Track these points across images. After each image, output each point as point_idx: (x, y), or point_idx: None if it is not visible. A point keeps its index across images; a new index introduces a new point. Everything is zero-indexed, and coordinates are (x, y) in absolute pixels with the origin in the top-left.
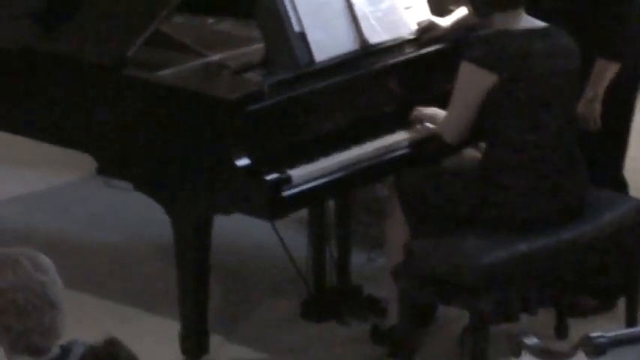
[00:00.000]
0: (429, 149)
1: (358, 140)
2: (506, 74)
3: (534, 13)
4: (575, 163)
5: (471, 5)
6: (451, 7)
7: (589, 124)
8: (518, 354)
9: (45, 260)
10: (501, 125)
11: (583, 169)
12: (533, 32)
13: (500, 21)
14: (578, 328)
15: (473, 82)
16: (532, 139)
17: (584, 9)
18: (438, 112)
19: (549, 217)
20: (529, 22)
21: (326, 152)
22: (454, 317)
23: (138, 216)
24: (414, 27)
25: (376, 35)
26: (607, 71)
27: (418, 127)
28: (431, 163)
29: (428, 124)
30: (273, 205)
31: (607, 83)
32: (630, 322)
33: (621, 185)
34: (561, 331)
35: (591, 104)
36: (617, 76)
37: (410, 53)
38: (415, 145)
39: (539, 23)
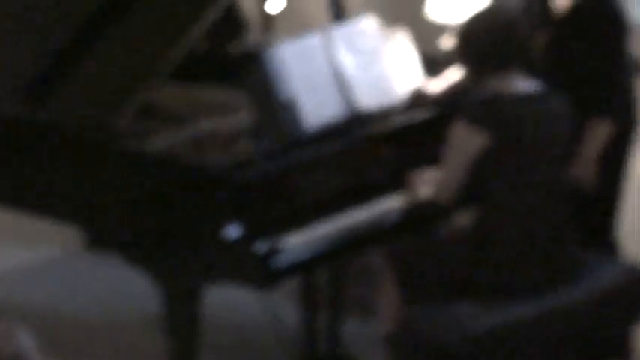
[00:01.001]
0: (421, 215)
1: (350, 208)
2: (498, 136)
3: (528, 73)
4: (566, 226)
5: (464, 67)
6: (444, 70)
7: (584, 186)
8: None
9: (25, 332)
10: (492, 189)
11: (574, 233)
12: (527, 96)
13: (494, 83)
14: None
15: (465, 141)
16: (522, 204)
17: (576, 69)
18: (436, 177)
19: (541, 281)
20: (524, 84)
21: (317, 220)
22: None
23: (128, 288)
24: (406, 92)
25: (367, 101)
26: (600, 130)
27: (413, 191)
28: (424, 229)
29: (423, 189)
30: (264, 275)
31: (601, 143)
32: None
33: (613, 247)
34: None
35: (586, 165)
36: (611, 137)
37: (402, 119)
38: (408, 211)
39: (534, 86)
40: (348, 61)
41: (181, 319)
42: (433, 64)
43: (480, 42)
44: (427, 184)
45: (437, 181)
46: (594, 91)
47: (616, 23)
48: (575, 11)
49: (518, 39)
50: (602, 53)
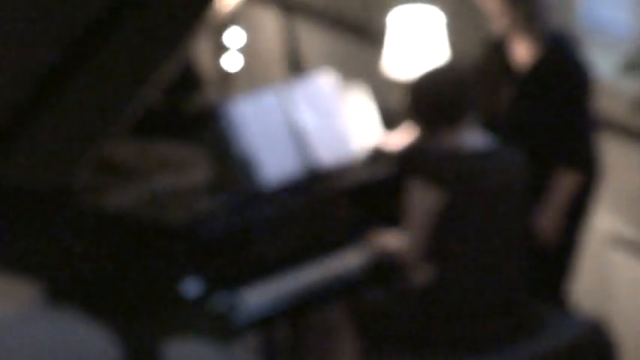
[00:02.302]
0: (381, 270)
1: (309, 263)
2: (456, 193)
3: (490, 126)
4: (523, 281)
5: (416, 122)
6: (404, 122)
7: (551, 238)
8: None
9: None
10: (449, 245)
11: (530, 287)
12: (480, 152)
13: (447, 137)
14: None
15: (423, 200)
16: (481, 259)
17: (540, 123)
18: (397, 236)
19: (497, 336)
20: (477, 137)
21: (277, 276)
22: None
23: (87, 344)
24: (366, 147)
25: (326, 157)
26: (566, 181)
27: (376, 249)
28: (384, 283)
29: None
30: (225, 330)
31: (567, 194)
32: None
33: (563, 302)
34: None
35: (553, 217)
36: (577, 187)
37: (361, 173)
38: (367, 266)
39: (487, 140)
40: (306, 116)
41: None
42: (390, 119)
43: (430, 100)
44: (389, 242)
45: (399, 239)
46: (559, 143)
47: (578, 77)
48: (537, 66)
49: (469, 96)
50: (566, 107)
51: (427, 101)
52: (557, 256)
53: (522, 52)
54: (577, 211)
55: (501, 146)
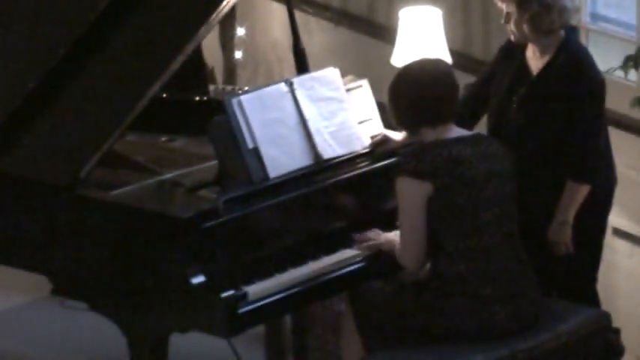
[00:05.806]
0: (383, 263)
1: (314, 255)
2: (440, 181)
3: (498, 132)
4: (525, 267)
5: (400, 125)
6: None
7: (560, 249)
8: None
9: None
10: (443, 234)
11: (533, 275)
12: (462, 140)
13: (431, 135)
14: None
15: (411, 195)
16: (475, 244)
17: (550, 133)
18: (389, 236)
19: (502, 326)
20: (458, 132)
21: (281, 268)
22: None
23: (94, 336)
24: (368, 141)
25: (330, 150)
26: (578, 194)
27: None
28: (385, 276)
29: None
30: (230, 322)
31: (578, 206)
32: None
33: (594, 303)
34: None
35: (562, 228)
36: (588, 199)
37: (364, 167)
38: (369, 259)
39: (468, 132)
40: (310, 110)
41: None
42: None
43: (407, 97)
44: (385, 244)
45: (400, 245)
46: (572, 156)
47: (588, 83)
48: (546, 71)
49: (449, 95)
50: (576, 114)
51: (404, 98)
52: (579, 264)
53: (535, 53)
54: (596, 220)
55: (483, 136)
